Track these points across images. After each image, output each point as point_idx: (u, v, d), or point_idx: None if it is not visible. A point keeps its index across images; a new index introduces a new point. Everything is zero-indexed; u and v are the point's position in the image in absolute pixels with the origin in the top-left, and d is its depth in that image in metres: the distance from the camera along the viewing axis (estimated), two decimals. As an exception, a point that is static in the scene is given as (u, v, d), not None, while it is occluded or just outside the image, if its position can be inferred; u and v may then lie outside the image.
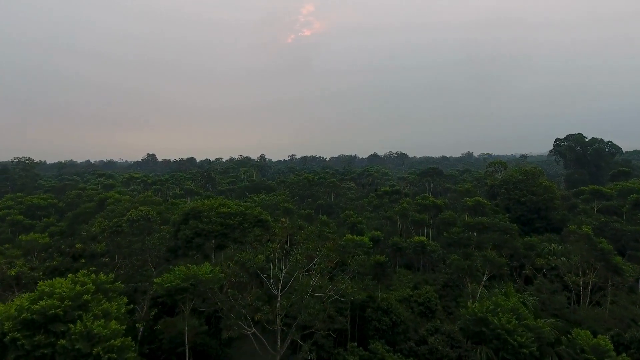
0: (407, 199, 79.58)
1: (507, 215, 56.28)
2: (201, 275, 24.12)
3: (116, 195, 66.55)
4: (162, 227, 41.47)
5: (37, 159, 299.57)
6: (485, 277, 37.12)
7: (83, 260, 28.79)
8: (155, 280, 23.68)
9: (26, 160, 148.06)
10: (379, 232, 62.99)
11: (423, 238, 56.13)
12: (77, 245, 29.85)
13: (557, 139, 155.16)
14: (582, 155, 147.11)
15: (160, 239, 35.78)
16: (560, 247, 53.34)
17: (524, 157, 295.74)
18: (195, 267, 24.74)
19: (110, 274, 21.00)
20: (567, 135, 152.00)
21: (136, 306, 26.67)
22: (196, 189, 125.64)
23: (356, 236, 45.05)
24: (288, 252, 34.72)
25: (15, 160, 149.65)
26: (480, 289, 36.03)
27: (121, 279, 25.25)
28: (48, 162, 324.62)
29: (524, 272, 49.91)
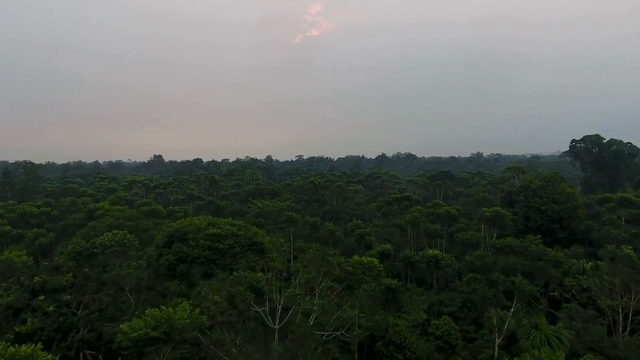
0: (418, 206, 74.91)
1: (538, 236, 51.31)
2: (177, 321, 19.79)
3: (106, 205, 62.71)
4: (145, 250, 37.16)
5: (45, 160, 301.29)
6: (513, 307, 32.55)
7: (42, 298, 24.64)
8: (121, 326, 19.45)
9: (27, 163, 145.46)
10: (388, 245, 58.83)
11: (437, 252, 51.61)
12: (36, 279, 25.74)
13: (573, 140, 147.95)
14: (600, 157, 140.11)
15: (137, 268, 31.49)
16: (589, 263, 48.36)
17: (535, 157, 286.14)
18: (170, 310, 20.42)
19: (39, 344, 16.47)
20: (583, 137, 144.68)
21: (100, 355, 22.68)
22: (199, 193, 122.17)
23: (365, 258, 40.59)
24: (290, 270, 30.64)
25: (16, 164, 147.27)
26: (508, 321, 31.46)
27: (83, 323, 21.25)
28: (58, 163, 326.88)
29: (550, 293, 45.10)
